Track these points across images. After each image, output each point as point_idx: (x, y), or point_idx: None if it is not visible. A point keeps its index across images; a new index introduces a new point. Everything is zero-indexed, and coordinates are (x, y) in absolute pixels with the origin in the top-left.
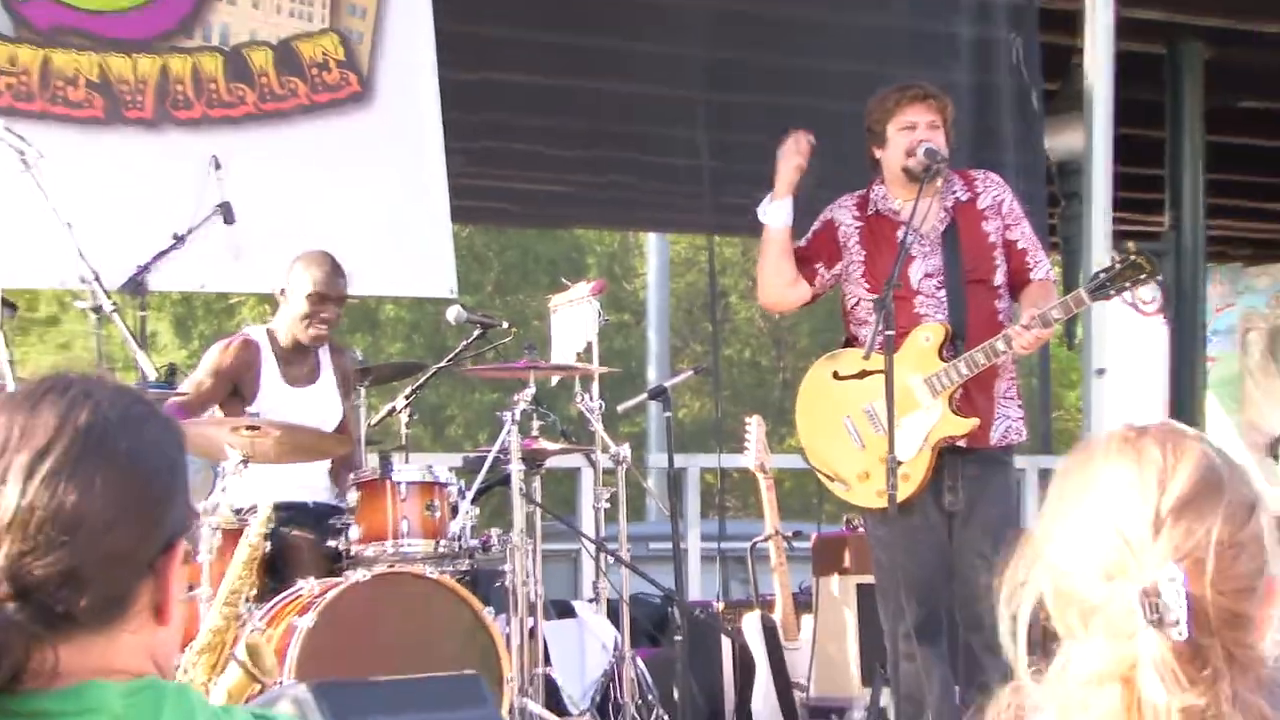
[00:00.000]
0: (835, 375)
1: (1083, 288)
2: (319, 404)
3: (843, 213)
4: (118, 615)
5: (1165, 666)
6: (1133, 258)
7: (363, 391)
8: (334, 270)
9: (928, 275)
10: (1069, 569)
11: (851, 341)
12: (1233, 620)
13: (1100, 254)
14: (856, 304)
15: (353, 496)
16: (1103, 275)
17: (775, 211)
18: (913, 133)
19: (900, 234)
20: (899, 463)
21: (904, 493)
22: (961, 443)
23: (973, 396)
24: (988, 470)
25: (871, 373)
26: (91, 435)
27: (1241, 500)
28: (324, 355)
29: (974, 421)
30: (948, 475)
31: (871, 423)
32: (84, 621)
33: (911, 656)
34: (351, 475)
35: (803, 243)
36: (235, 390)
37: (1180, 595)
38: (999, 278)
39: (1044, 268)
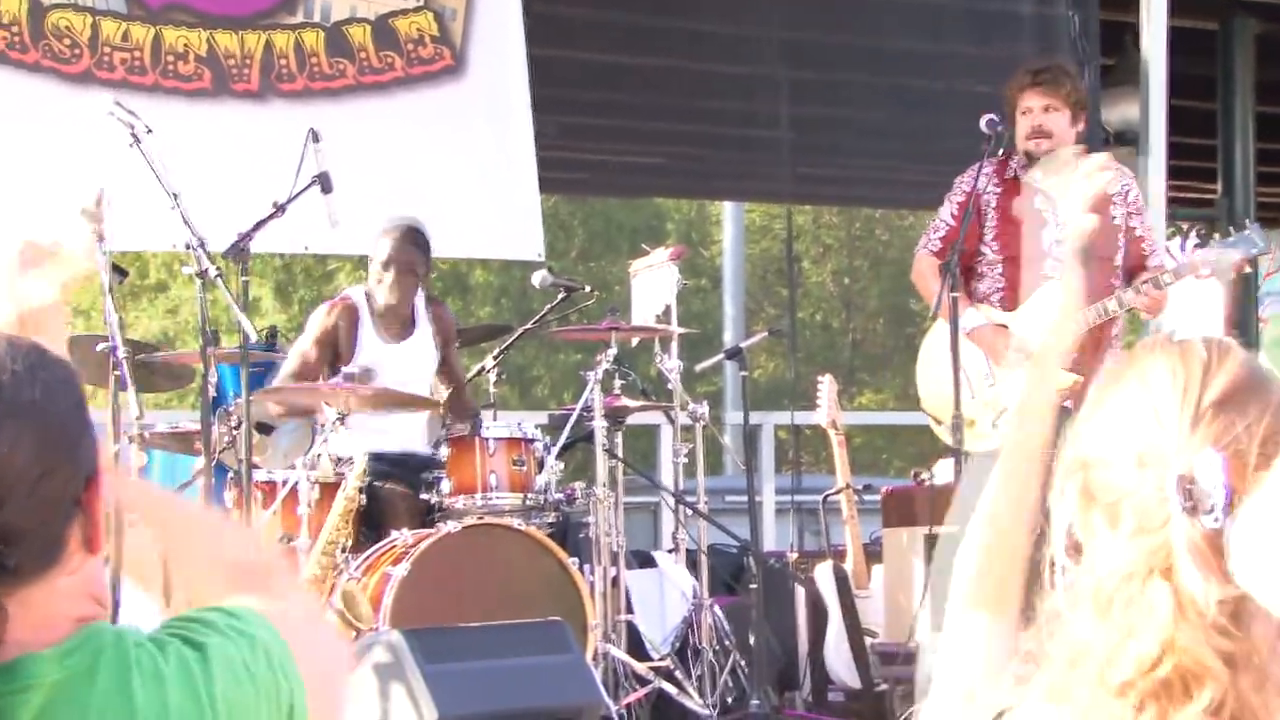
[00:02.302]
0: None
1: (1196, 255)
2: (414, 357)
3: (984, 180)
4: (55, 560)
5: (1199, 554)
6: (1247, 233)
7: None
8: (404, 239)
9: (1058, 241)
10: (1100, 457)
11: (969, 294)
12: None
13: (1156, 220)
14: (981, 260)
15: (444, 451)
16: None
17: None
18: (1029, 117)
19: (1037, 201)
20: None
21: (953, 441)
22: (1068, 403)
23: (1084, 359)
24: None
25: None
26: (4, 394)
27: None
28: (420, 309)
29: (1076, 378)
30: (1058, 435)
31: (984, 374)
32: (25, 573)
33: None
34: (443, 431)
35: (951, 220)
36: (340, 351)
37: (1219, 481)
38: (1119, 259)
39: (1159, 257)
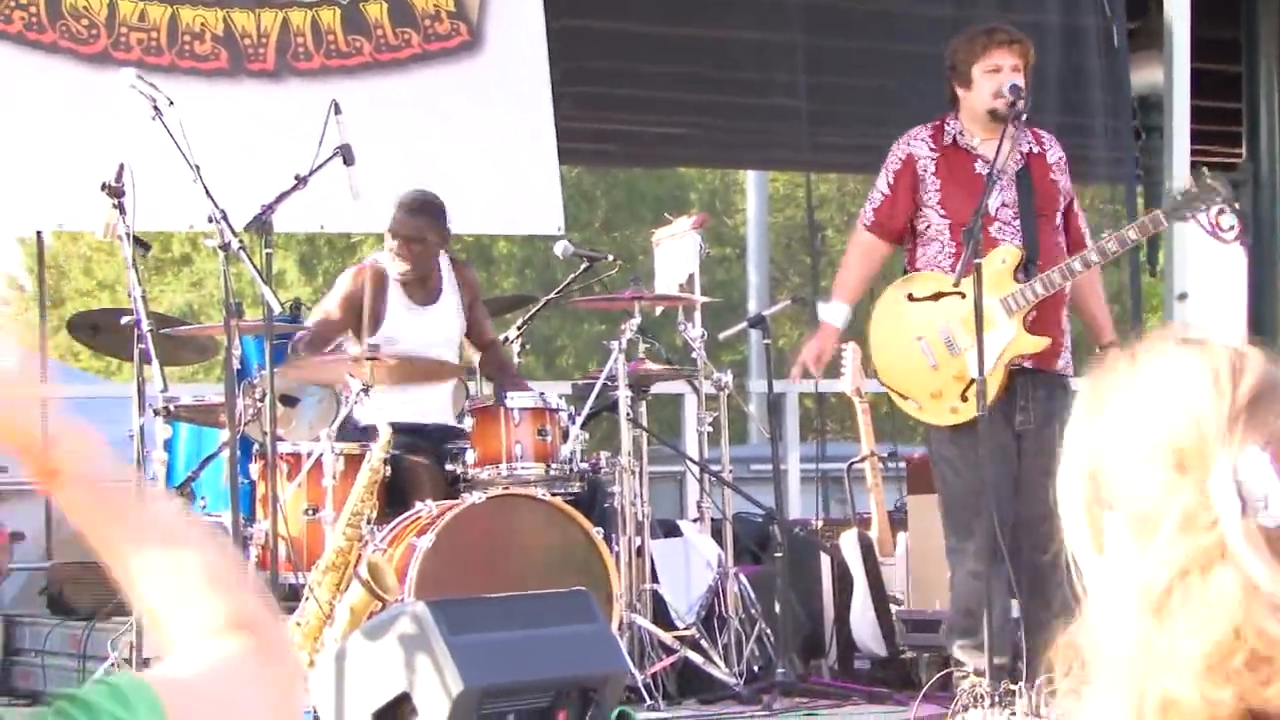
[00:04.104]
0: (910, 297)
1: (1160, 209)
2: (441, 321)
3: (919, 145)
4: None
5: (1259, 549)
6: (1208, 180)
7: None
8: (410, 209)
9: (1004, 205)
10: (1122, 467)
11: (912, 263)
12: None
13: (1181, 185)
14: (928, 226)
15: (468, 422)
16: (1179, 197)
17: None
18: (998, 75)
19: (978, 167)
20: (974, 380)
21: (976, 410)
22: (1029, 364)
23: (1044, 318)
24: (1055, 393)
25: (946, 294)
26: None
27: None
28: (446, 272)
29: (1046, 340)
30: (1019, 396)
31: (945, 343)
32: None
33: (978, 575)
34: (467, 402)
35: (887, 189)
36: (366, 315)
37: (1270, 477)
38: (1058, 220)
39: (1087, 232)
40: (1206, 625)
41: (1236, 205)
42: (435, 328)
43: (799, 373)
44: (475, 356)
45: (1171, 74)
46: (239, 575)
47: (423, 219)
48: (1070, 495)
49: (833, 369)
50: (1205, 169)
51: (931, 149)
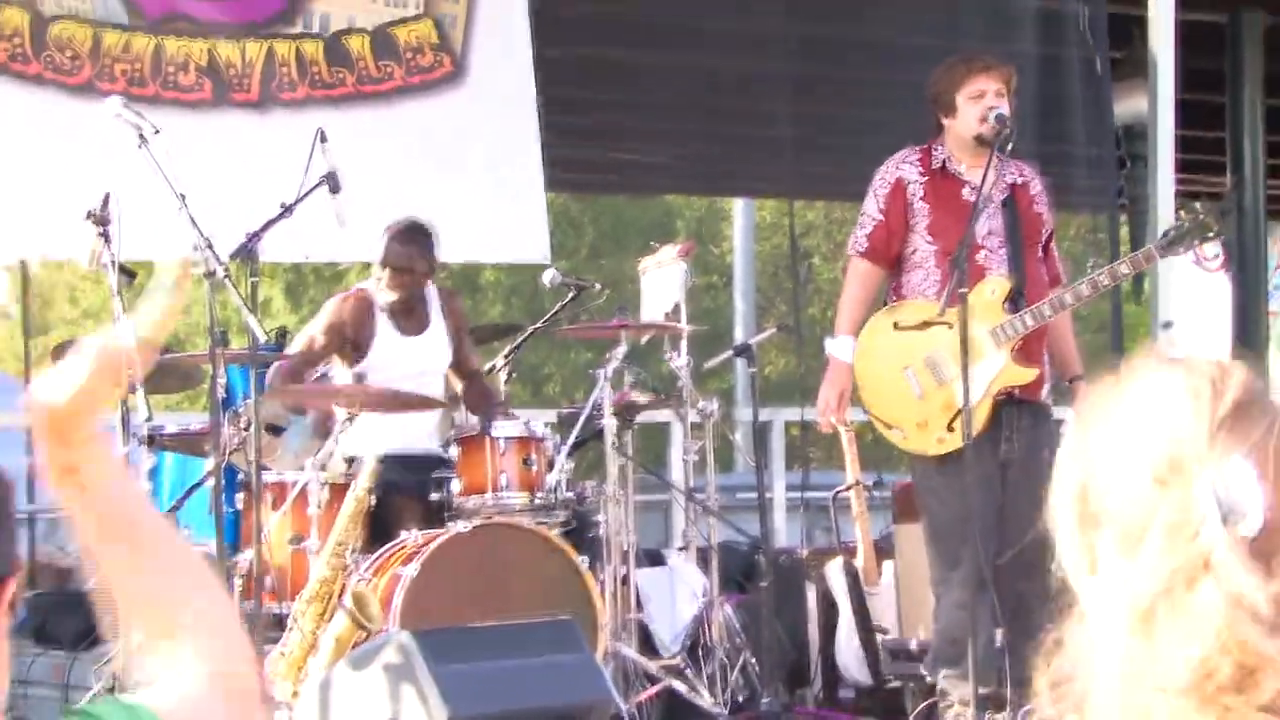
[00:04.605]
0: (896, 326)
1: (1153, 244)
2: (428, 351)
3: (908, 169)
4: None
5: (1241, 557)
6: (1201, 216)
7: None
8: (402, 239)
9: (991, 233)
10: (1109, 484)
11: (898, 289)
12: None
13: (1166, 213)
14: (914, 252)
15: (454, 451)
16: (1172, 232)
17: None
18: (982, 100)
19: (965, 193)
20: (960, 410)
21: (961, 440)
22: (1015, 392)
23: (1029, 349)
24: (1040, 422)
25: (933, 324)
26: None
27: None
28: (434, 301)
29: (1035, 371)
30: (1005, 426)
31: (932, 373)
32: None
33: (963, 605)
34: (453, 431)
35: (879, 214)
36: (352, 343)
37: (1253, 487)
38: (1040, 251)
39: (1061, 268)
40: (1192, 639)
41: (1223, 236)
42: (422, 357)
43: (828, 425)
44: (459, 386)
45: (1156, 103)
46: (228, 615)
47: (413, 248)
48: (1062, 515)
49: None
50: (1197, 202)
51: (920, 173)
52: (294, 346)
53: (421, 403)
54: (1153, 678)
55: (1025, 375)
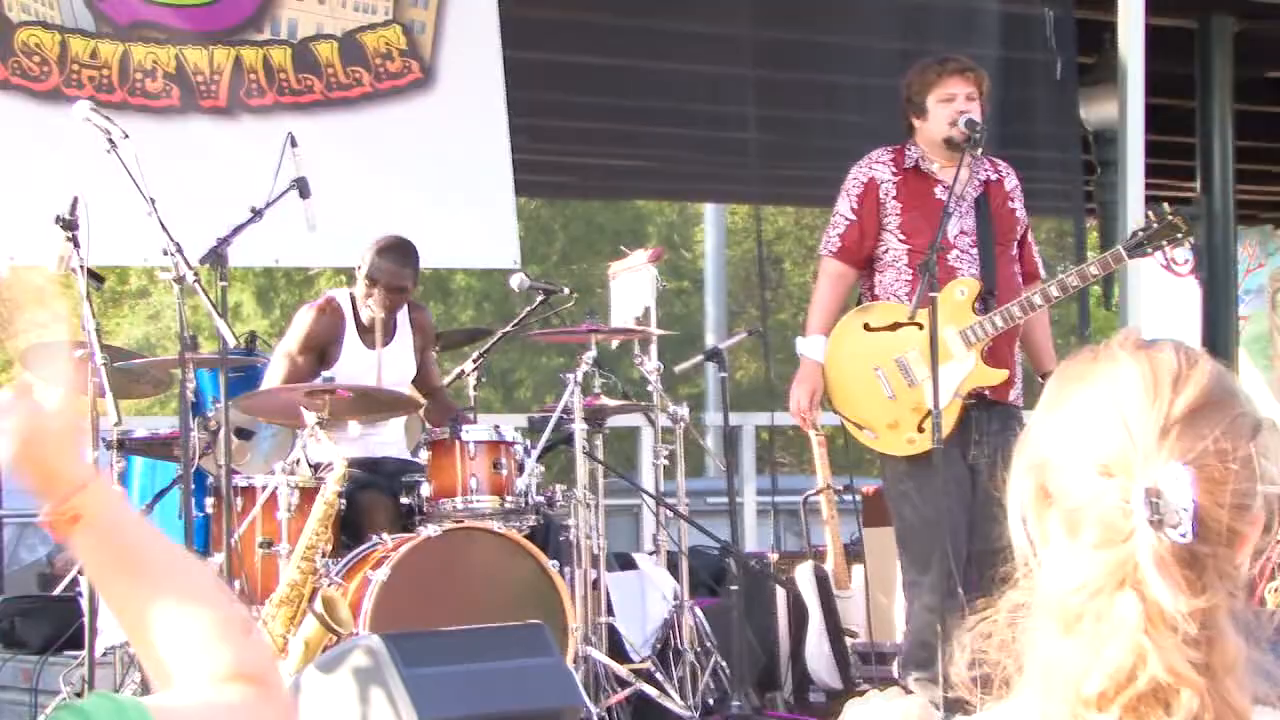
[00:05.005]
0: (866, 327)
1: (1121, 245)
2: (394, 362)
3: (881, 169)
4: None
5: (1167, 568)
6: (1169, 218)
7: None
8: (395, 259)
9: (962, 233)
10: (1062, 460)
11: (870, 289)
12: (1227, 535)
13: (1135, 218)
14: (886, 251)
15: (424, 455)
16: (1140, 234)
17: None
18: (953, 104)
19: (938, 192)
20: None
21: (932, 442)
22: (986, 393)
23: (999, 350)
24: (1009, 425)
25: (903, 325)
26: None
27: (1249, 415)
28: (401, 315)
29: (1005, 372)
30: (974, 429)
31: (903, 373)
32: None
33: (933, 608)
34: (423, 435)
35: (852, 214)
36: (319, 353)
37: (1187, 496)
38: (1014, 249)
39: (1043, 266)
40: (1110, 645)
41: (1193, 240)
42: (387, 369)
43: (803, 423)
44: (421, 402)
45: (1126, 109)
46: (246, 627)
47: (409, 269)
48: (1018, 488)
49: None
50: (1165, 204)
51: (893, 172)
52: (274, 369)
53: (391, 401)
54: (1073, 682)
55: (995, 377)
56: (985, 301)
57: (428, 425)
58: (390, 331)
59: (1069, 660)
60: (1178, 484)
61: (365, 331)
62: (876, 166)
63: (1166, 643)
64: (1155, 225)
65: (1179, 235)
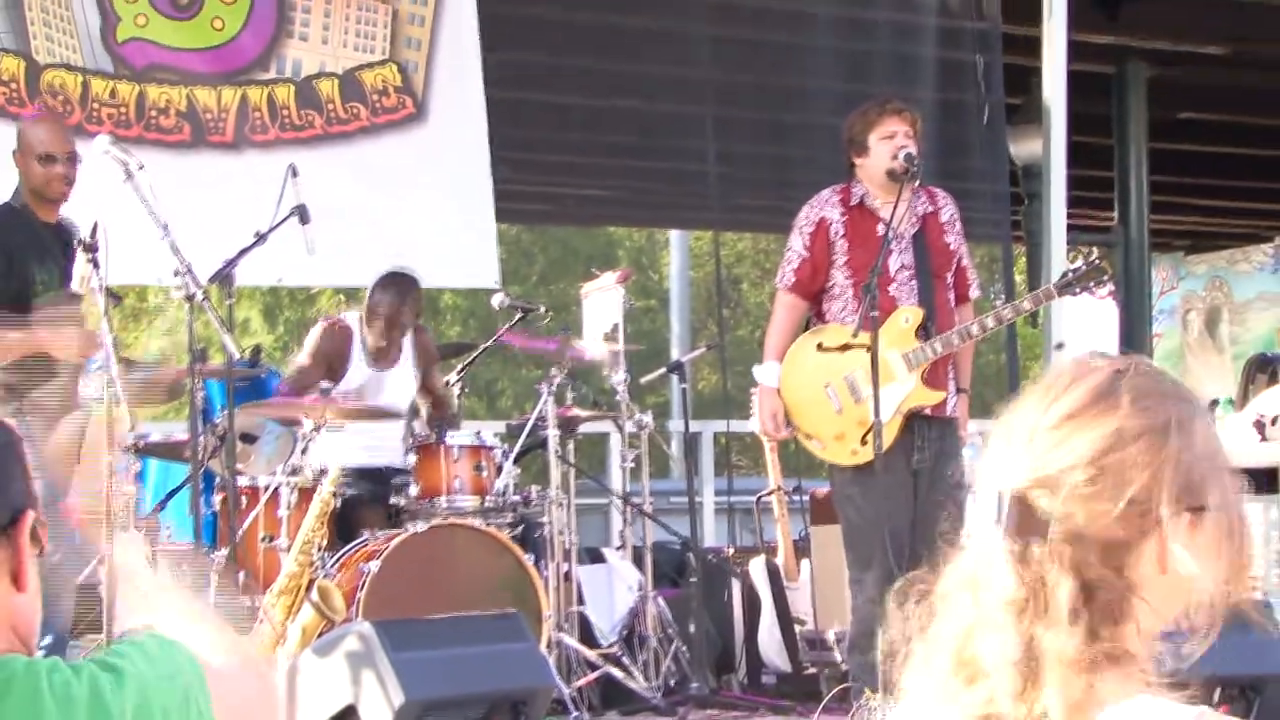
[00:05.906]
0: (819, 346)
1: (1052, 284)
2: (397, 383)
3: (830, 209)
4: None
5: (1001, 563)
6: (1097, 262)
7: None
8: (395, 295)
9: (903, 267)
10: (980, 473)
11: (820, 315)
12: (1077, 539)
13: (1059, 245)
14: (833, 285)
15: (411, 458)
16: (1070, 274)
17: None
18: (893, 140)
19: (880, 229)
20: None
21: (873, 454)
22: (927, 410)
23: (937, 372)
24: (947, 434)
25: (853, 346)
26: None
27: (1136, 428)
28: (406, 339)
29: (942, 394)
30: (916, 438)
31: (850, 390)
32: None
33: (875, 601)
34: (412, 438)
35: (805, 250)
36: (329, 369)
37: (1005, 496)
38: (949, 279)
39: (976, 285)
40: (951, 626)
41: (1111, 272)
42: (390, 389)
43: (779, 437)
44: (424, 404)
45: (1050, 146)
46: (242, 645)
47: (406, 306)
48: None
49: (745, 409)
50: (1095, 249)
51: (841, 212)
52: (288, 376)
53: (375, 413)
54: (946, 659)
55: (933, 397)
56: (926, 329)
57: (426, 422)
58: (395, 355)
59: (947, 639)
60: (1005, 485)
61: (372, 354)
62: (826, 208)
63: (981, 630)
64: (1084, 268)
65: (1104, 279)
